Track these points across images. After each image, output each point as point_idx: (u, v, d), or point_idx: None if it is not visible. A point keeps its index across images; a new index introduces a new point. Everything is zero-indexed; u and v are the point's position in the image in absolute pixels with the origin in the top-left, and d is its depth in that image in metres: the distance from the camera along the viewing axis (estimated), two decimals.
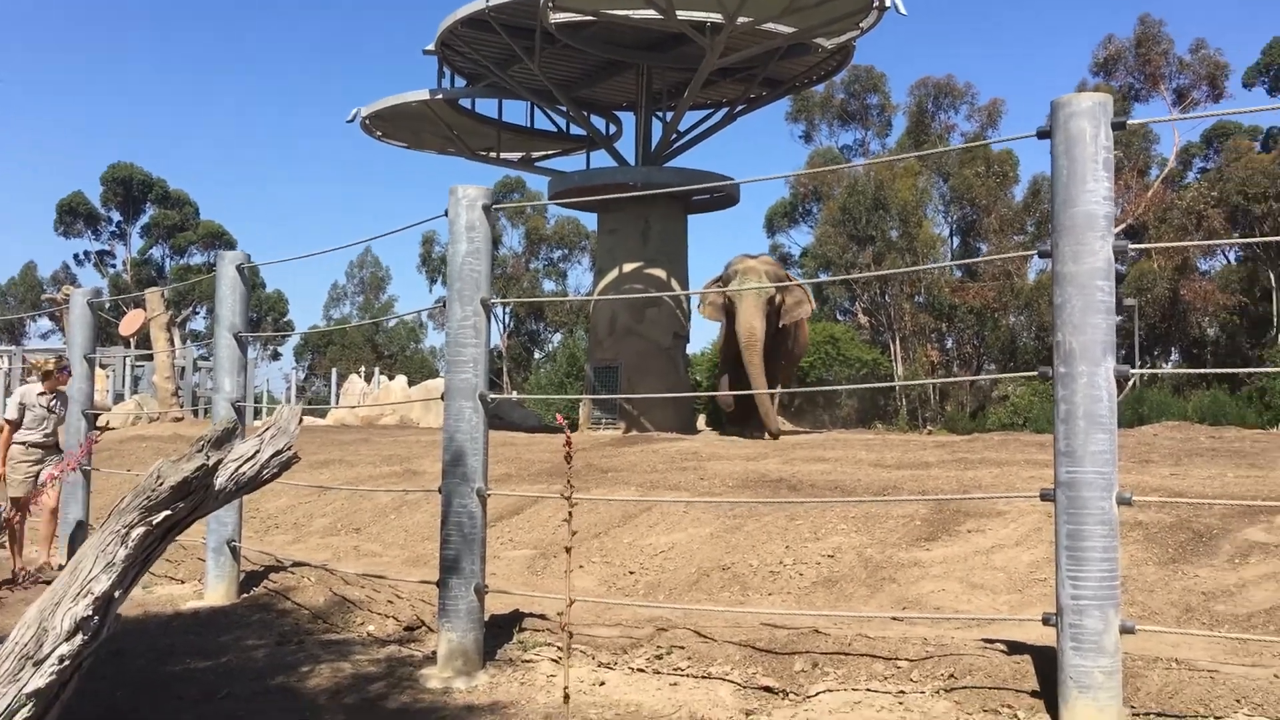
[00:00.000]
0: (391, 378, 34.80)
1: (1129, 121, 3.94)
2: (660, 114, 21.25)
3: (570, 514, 4.23)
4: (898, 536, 6.70)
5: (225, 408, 6.52)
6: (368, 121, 22.23)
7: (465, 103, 22.10)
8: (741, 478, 9.59)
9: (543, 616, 5.56)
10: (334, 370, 43.72)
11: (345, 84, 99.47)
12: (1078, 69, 69.13)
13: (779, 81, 21.37)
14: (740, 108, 21.41)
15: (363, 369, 40.09)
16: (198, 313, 56.75)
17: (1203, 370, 14.80)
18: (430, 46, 20.64)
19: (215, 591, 6.57)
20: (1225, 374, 22.34)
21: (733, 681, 4.54)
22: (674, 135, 20.85)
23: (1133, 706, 3.77)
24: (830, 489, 8.62)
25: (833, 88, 47.03)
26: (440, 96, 20.96)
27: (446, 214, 5.02)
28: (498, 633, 5.25)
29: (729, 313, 15.44)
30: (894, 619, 5.38)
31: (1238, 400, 29.94)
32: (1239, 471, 8.23)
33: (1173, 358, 44.03)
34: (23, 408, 8.25)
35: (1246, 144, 41.93)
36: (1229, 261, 43.66)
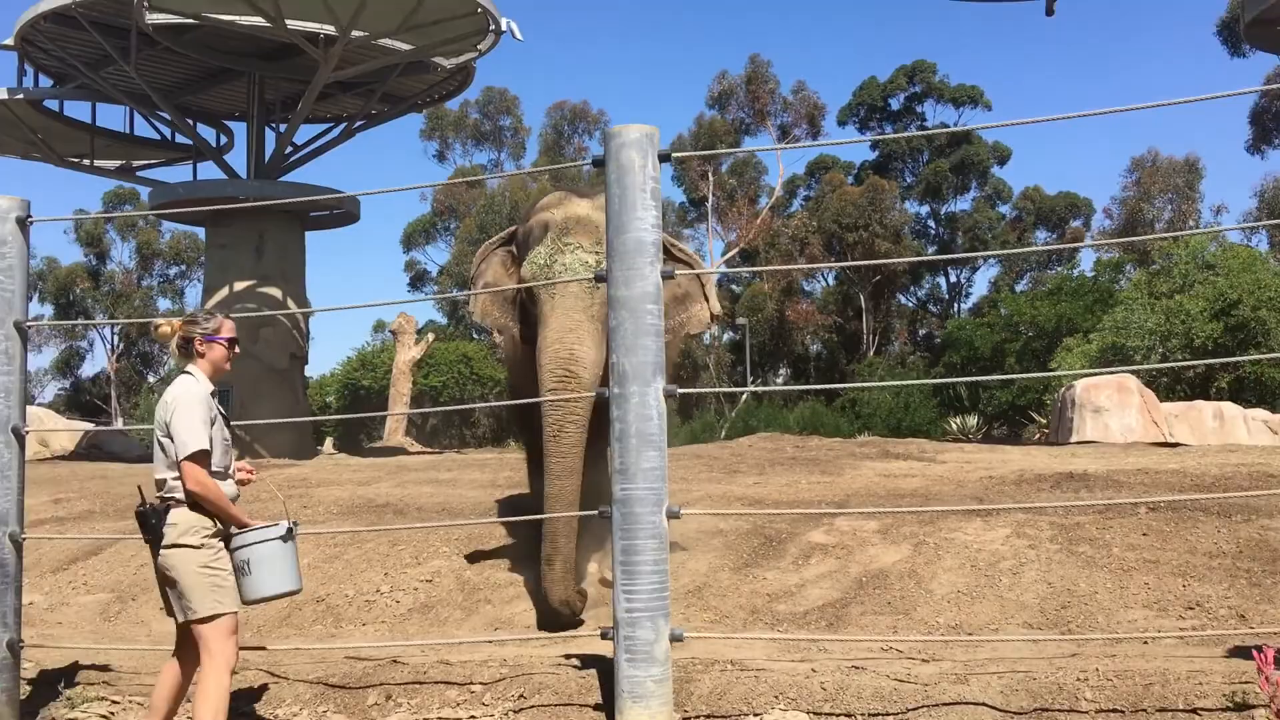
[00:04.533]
0: None
1: (675, 154, 4.15)
2: (274, 126, 20.39)
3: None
4: (499, 558, 6.73)
5: None
6: None
7: (52, 104, 20.15)
8: (348, 504, 9.30)
9: (105, 668, 5.10)
10: None
11: None
12: (697, 101, 73.58)
13: (400, 98, 21.13)
14: (359, 123, 20.97)
15: None
16: None
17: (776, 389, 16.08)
18: (9, 40, 18.65)
19: None
20: (737, 391, 24.72)
21: None
22: (289, 148, 20.08)
23: (685, 711, 3.95)
24: (437, 512, 8.53)
25: (467, 107, 47.28)
26: (21, 96, 18.98)
27: None
28: (45, 690, 4.74)
29: (527, 314, 6.50)
30: (488, 641, 5.38)
31: (833, 411, 32.84)
32: (811, 478, 8.95)
33: (781, 372, 47.68)
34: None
35: (840, 178, 46.27)
36: (828, 284, 47.96)
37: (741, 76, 45.54)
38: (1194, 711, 3.57)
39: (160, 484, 3.88)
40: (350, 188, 28.09)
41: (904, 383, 16.73)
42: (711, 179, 44.40)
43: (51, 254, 52.55)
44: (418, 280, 49.80)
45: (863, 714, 3.81)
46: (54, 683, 4.84)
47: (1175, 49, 72.95)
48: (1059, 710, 3.68)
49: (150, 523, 3.81)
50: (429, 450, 23.76)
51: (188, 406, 3.81)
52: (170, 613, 3.92)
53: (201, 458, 3.79)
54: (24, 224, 4.50)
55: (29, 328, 4.55)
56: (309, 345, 19.80)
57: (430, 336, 25.07)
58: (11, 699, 4.38)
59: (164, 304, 53.86)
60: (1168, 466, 8.41)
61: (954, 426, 25.88)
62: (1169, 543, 5.83)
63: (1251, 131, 40.83)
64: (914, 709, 3.78)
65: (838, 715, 3.82)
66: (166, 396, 3.90)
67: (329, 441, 26.38)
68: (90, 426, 7.99)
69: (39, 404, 44.47)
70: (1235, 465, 8.28)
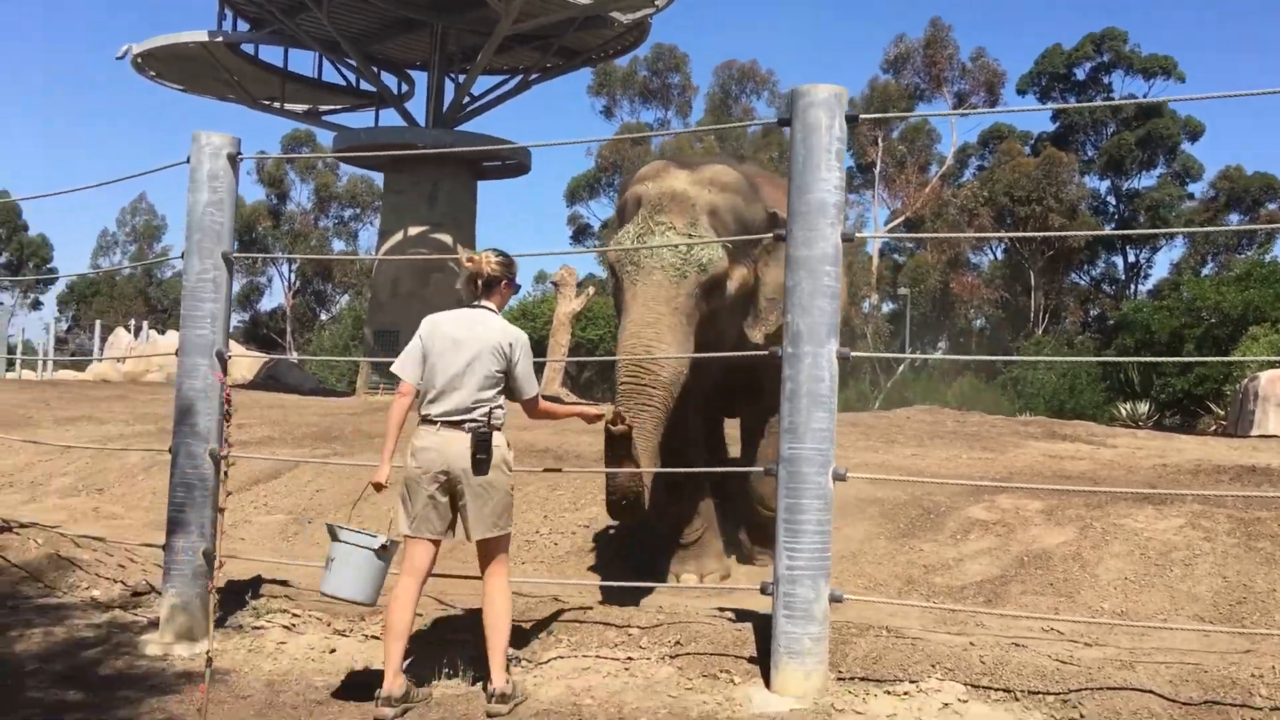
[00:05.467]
0: (162, 332, 33.05)
1: (863, 115, 4.11)
2: (454, 76, 20.88)
3: (225, 472, 4.17)
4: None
5: None
6: (139, 60, 20.92)
7: (248, 48, 21.10)
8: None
9: (285, 583, 5.42)
10: (98, 322, 41.21)
11: (117, 16, 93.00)
12: (871, 65, 71.92)
13: (575, 52, 21.34)
14: (535, 76, 21.28)
15: (131, 322, 37.93)
16: None
17: (955, 357, 15.72)
18: None
19: None
20: (982, 360, 24.10)
21: (471, 646, 4.52)
22: (466, 99, 20.54)
23: (839, 671, 3.97)
24: (594, 460, 8.69)
25: (636, 64, 47.37)
26: (220, 39, 19.94)
27: (189, 160, 4.78)
28: (231, 599, 5.06)
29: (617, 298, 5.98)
30: (630, 586, 5.50)
31: (993, 388, 31.99)
32: (973, 453, 8.78)
33: (940, 346, 46.64)
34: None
35: (1017, 148, 44.67)
36: (995, 258, 46.53)
37: (920, 40, 44.36)
38: None
39: (469, 408, 4.01)
40: (520, 139, 28.63)
41: (1073, 359, 16.17)
42: (881, 144, 43.48)
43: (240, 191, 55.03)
44: (580, 234, 50.44)
45: (1022, 690, 3.77)
46: (239, 593, 5.17)
47: None
48: (1231, 705, 3.57)
49: (486, 443, 3.99)
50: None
51: (528, 345, 4.15)
52: (436, 531, 4.05)
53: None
54: (234, 160, 4.77)
55: (235, 260, 4.83)
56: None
57: (590, 290, 25.37)
58: (204, 603, 4.70)
59: (338, 245, 56.04)
60: None
61: (1123, 412, 24.82)
62: None
63: None
64: (1076, 690, 3.71)
65: (996, 690, 3.79)
66: (494, 330, 4.09)
67: None
68: (269, 356, 8.42)
69: None
70: None
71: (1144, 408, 25.28)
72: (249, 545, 6.84)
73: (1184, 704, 3.59)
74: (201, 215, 4.69)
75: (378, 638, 4.70)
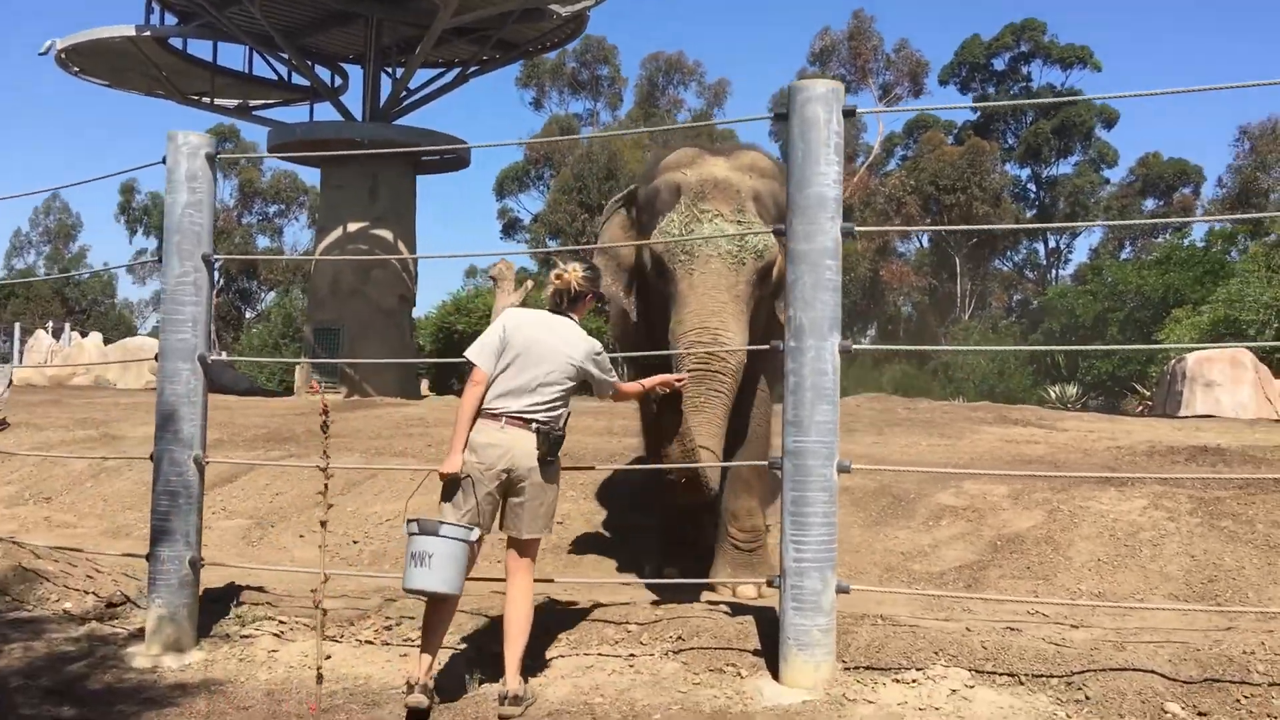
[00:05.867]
0: (84, 334, 32.19)
1: (858, 110, 4.14)
2: (390, 69, 20.61)
3: (326, 486, 4.08)
4: (626, 503, 6.84)
5: None
6: (64, 55, 20.32)
7: (176, 42, 20.61)
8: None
9: (261, 589, 5.32)
10: (16, 325, 40.00)
11: (37, 11, 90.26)
12: (797, 57, 72.48)
13: (513, 45, 21.21)
14: (473, 69, 21.11)
15: (50, 324, 36.86)
16: None
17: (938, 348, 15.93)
18: None
19: None
20: (931, 350, 24.41)
21: (456, 648, 4.49)
22: (403, 92, 20.29)
23: (844, 661, 4.01)
24: (604, 457, 8.64)
25: (564, 56, 47.14)
26: (148, 34, 19.44)
27: (165, 161, 4.66)
28: (212, 608, 4.96)
29: (644, 287, 5.40)
30: (621, 584, 5.49)
31: (924, 374, 32.51)
32: (930, 440, 8.93)
33: (870, 332, 47.24)
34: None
35: (940, 137, 45.34)
36: (921, 245, 47.19)
37: (844, 33, 44.78)
38: None
39: (540, 409, 4.04)
40: (449, 130, 28.23)
41: (1015, 348, 16.49)
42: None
43: (155, 189, 53.69)
44: (510, 228, 50.13)
45: (1025, 674, 3.84)
46: (220, 600, 5.06)
47: None
48: (1230, 682, 3.67)
49: (550, 438, 4.04)
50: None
51: (604, 355, 4.26)
52: (485, 528, 4.06)
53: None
54: (212, 160, 4.66)
55: (215, 261, 4.73)
56: (416, 287, 20.10)
57: (529, 283, 25.21)
58: (191, 613, 4.60)
59: (263, 241, 55.02)
60: None
61: (1052, 395, 25.41)
62: None
63: None
64: (1079, 672, 3.80)
65: (1000, 674, 3.86)
66: (579, 339, 4.18)
67: (424, 384, 26.79)
68: (222, 357, 8.15)
69: (141, 334, 45.86)
70: None
71: (1072, 390, 25.90)
72: (213, 550, 6.70)
73: (1185, 683, 3.69)
74: (180, 217, 4.57)
75: (370, 643, 4.65)
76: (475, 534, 4.00)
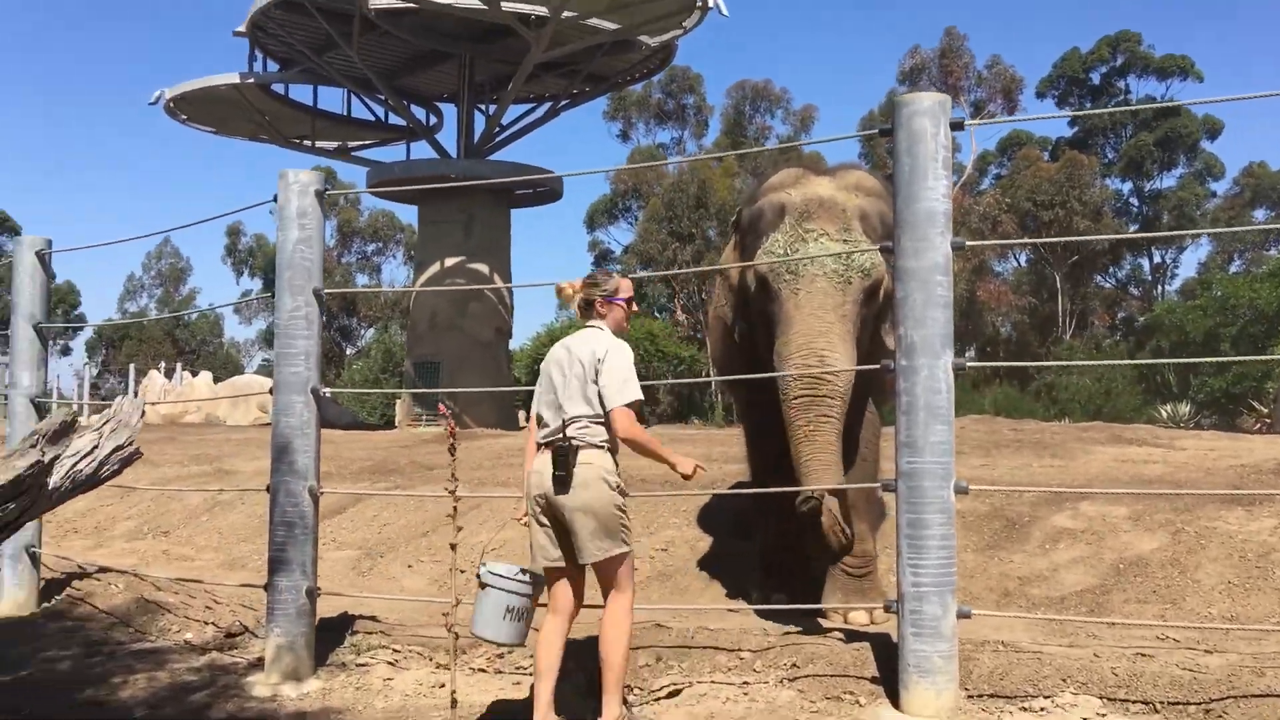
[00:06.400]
0: (195, 374, 33.24)
1: (966, 122, 4.07)
2: (482, 106, 20.98)
3: (455, 508, 4.08)
4: (729, 531, 6.77)
5: (23, 404, 6.05)
6: (172, 104, 21.14)
7: (278, 88, 21.28)
8: None
9: (374, 618, 5.38)
10: (131, 366, 41.50)
11: (146, 63, 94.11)
12: (886, 79, 71.99)
13: (602, 78, 21.43)
14: (563, 103, 21.37)
15: (162, 365, 38.15)
16: None
17: (1042, 364, 15.62)
18: (241, 28, 19.79)
19: (12, 601, 6.07)
20: (1039, 366, 23.95)
21: (572, 674, 4.46)
22: (496, 128, 20.63)
23: (967, 689, 3.89)
24: (661, 483, 8.64)
25: (650, 87, 47.49)
26: (251, 80, 20.12)
27: (275, 199, 4.77)
28: (327, 636, 5.02)
29: (747, 308, 5.34)
30: (729, 610, 5.43)
31: (1027, 396, 31.77)
32: (1042, 461, 8.68)
33: (968, 353, 46.41)
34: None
35: (1036, 154, 44.54)
36: (1019, 264, 46.31)
37: (935, 51, 44.30)
38: None
39: (560, 427, 3.85)
40: (542, 164, 28.71)
41: (1125, 362, 16.05)
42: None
43: (259, 231, 55.39)
44: (601, 259, 50.45)
45: (1160, 701, 3.68)
46: (334, 630, 5.13)
47: None
48: None
49: (566, 460, 3.80)
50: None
51: (623, 355, 3.86)
52: (551, 558, 3.91)
53: (637, 406, 3.86)
54: (321, 197, 4.76)
55: (325, 295, 4.82)
56: (513, 320, 20.33)
57: None
58: (309, 642, 4.67)
59: (361, 279, 56.31)
60: None
61: (1163, 414, 24.61)
62: None
63: None
64: (1218, 699, 3.63)
65: (1133, 702, 3.71)
66: (591, 344, 3.91)
67: (520, 415, 27.07)
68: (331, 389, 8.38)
69: (249, 372, 47.18)
70: None
71: (1184, 409, 25.07)
72: (324, 580, 6.81)
73: None
74: (292, 253, 4.68)
75: (485, 670, 4.65)
76: (518, 578, 3.88)
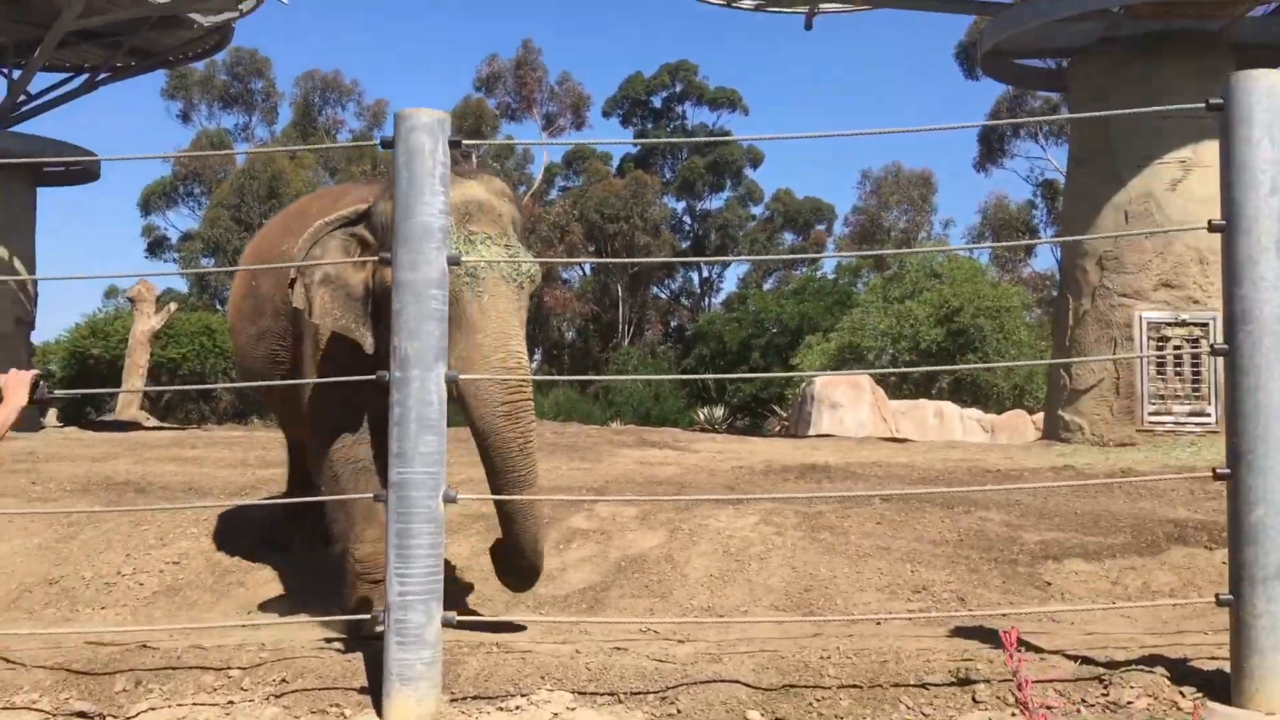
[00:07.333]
0: None
1: (464, 142, 4.18)
2: (6, 71, 18.76)
3: None
4: (252, 540, 6.53)
5: None
6: None
7: None
8: (84, 481, 8.79)
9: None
10: None
11: None
12: (463, 83, 72.59)
13: (149, 53, 19.85)
14: (103, 76, 19.57)
15: None
16: None
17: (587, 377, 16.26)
18: None
19: None
20: (584, 379, 25.31)
21: (40, 710, 4.10)
22: (22, 97, 18.53)
23: (453, 692, 4.00)
24: (184, 492, 8.18)
25: (214, 68, 44.82)
26: None
27: None
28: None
29: (381, 313, 4.78)
30: (242, 625, 5.23)
31: (586, 398, 33.36)
32: (572, 464, 9.15)
33: (536, 358, 47.87)
34: None
35: (602, 168, 46.88)
36: (585, 273, 48.49)
37: (511, 61, 45.38)
38: (923, 686, 3.93)
39: None
40: (81, 141, 26.10)
41: (659, 376, 17.34)
42: (475, 162, 43.97)
43: None
44: (156, 246, 46.86)
45: (625, 693, 3.98)
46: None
47: (916, 68, 77.96)
48: (805, 686, 3.97)
49: None
50: (167, 426, 22.62)
51: None
52: None
53: None
54: None
55: None
56: (36, 310, 18.36)
57: (172, 306, 23.69)
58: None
59: None
60: (898, 460, 9.11)
61: (701, 416, 26.83)
62: (900, 531, 6.34)
63: (979, 150, 44.07)
64: (673, 687, 3.98)
65: (601, 694, 3.97)
66: None
67: (52, 413, 24.54)
68: None
69: None
70: (956, 461, 9.07)
71: (719, 412, 27.46)
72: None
73: (765, 690, 3.95)
74: None
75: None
76: None
